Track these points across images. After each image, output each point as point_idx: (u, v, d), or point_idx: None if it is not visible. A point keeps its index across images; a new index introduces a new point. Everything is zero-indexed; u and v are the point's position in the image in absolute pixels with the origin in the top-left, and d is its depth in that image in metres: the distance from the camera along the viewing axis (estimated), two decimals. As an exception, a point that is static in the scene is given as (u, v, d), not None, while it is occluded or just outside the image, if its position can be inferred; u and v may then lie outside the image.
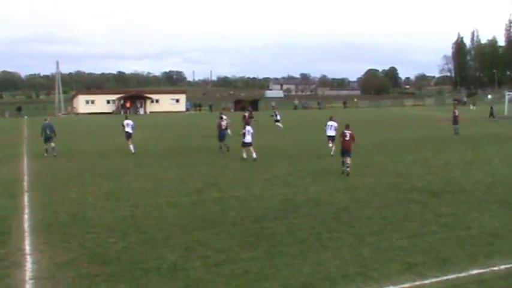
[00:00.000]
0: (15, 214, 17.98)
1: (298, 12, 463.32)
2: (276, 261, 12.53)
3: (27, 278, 11.80)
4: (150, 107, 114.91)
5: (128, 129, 35.71)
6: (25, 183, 24.26)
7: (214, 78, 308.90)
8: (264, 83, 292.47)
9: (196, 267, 12.21)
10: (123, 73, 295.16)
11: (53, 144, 34.69)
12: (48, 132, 34.76)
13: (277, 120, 56.47)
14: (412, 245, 13.65)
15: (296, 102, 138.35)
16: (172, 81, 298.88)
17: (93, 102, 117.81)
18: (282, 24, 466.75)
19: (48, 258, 13.03)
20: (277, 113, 58.59)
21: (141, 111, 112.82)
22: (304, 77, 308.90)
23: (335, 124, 33.04)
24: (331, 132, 32.88)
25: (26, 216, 17.64)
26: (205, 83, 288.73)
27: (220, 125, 36.25)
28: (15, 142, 46.98)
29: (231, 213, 17.56)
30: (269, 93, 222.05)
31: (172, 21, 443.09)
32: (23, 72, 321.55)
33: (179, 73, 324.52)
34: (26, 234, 15.48)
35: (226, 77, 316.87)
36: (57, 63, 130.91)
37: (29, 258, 13.11)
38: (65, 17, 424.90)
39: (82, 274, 11.87)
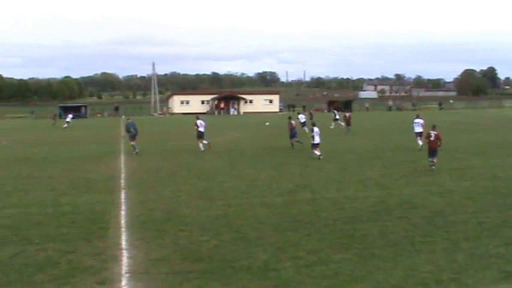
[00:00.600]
0: (113, 210, 18.57)
1: (392, 13, 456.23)
2: (368, 263, 12.38)
3: (123, 272, 12.18)
4: (244, 108, 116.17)
5: (201, 129, 37.12)
6: (122, 181, 25.02)
7: (307, 79, 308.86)
8: (357, 84, 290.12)
9: (287, 267, 12.23)
10: (217, 74, 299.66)
11: (134, 142, 36.31)
12: (132, 130, 36.75)
13: (336, 119, 58.42)
14: (510, 252, 13.12)
15: (390, 103, 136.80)
16: (265, 82, 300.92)
17: (187, 102, 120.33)
18: (376, 24, 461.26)
19: (143, 254, 13.40)
20: (336, 112, 61.27)
21: (232, 111, 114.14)
22: (399, 78, 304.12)
23: (421, 121, 36.58)
24: (418, 129, 36.19)
25: (122, 213, 18.20)
26: (298, 83, 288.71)
27: (290, 124, 37.86)
28: (113, 140, 48.64)
29: (323, 214, 17.47)
30: (362, 94, 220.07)
31: (266, 22, 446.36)
32: (121, 73, 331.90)
33: (272, 74, 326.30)
34: (123, 230, 15.96)
35: (319, 78, 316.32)
36: (153, 64, 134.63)
37: (125, 253, 13.52)
38: (160, 19, 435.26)
39: (175, 270, 12.13)
